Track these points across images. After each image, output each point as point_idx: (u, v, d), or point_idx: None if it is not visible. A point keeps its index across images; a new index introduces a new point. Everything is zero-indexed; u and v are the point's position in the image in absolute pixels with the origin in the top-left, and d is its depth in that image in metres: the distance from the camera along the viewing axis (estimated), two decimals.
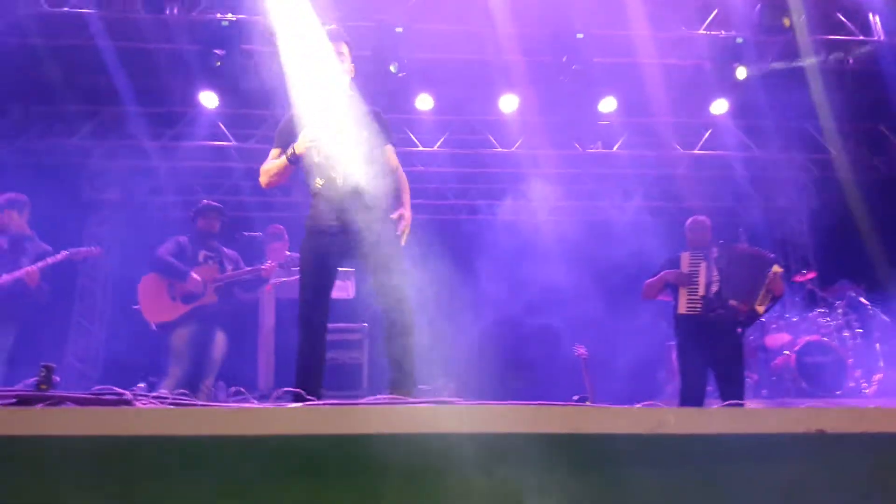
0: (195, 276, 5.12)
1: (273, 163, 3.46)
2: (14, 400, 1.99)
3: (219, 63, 6.85)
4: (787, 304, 7.18)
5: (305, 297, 3.31)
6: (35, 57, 6.79)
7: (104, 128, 8.27)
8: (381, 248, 3.24)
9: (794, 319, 6.93)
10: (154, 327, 5.17)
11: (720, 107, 8.13)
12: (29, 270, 4.83)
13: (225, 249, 5.46)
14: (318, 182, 3.36)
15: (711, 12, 7.13)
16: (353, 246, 3.29)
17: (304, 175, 3.49)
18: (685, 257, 5.03)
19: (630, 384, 6.83)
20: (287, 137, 3.46)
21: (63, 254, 4.99)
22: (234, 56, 6.86)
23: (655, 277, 5.07)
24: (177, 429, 1.81)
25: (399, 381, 3.10)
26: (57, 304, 6.38)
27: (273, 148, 3.54)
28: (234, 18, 6.73)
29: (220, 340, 5.20)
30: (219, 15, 6.72)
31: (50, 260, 4.93)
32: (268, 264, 5.32)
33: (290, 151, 3.37)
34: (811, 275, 7.47)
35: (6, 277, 4.85)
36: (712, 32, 7.20)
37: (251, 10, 6.63)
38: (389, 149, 3.55)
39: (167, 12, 6.54)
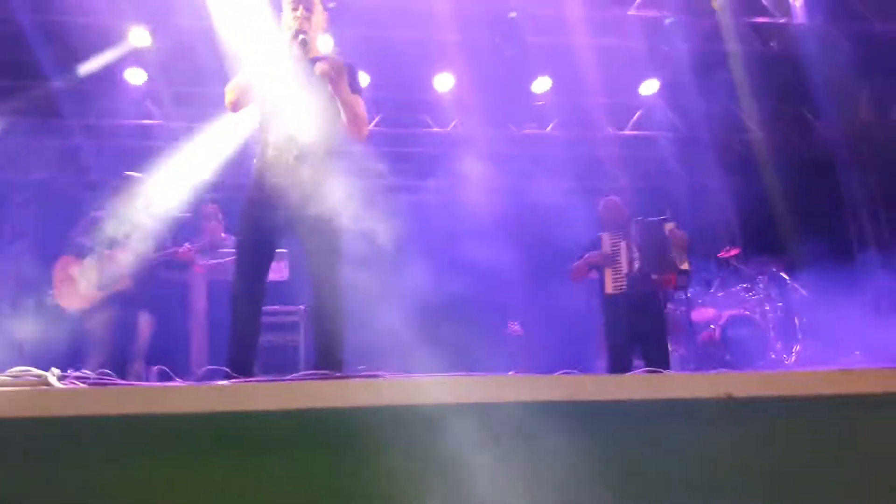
0: (106, 254, 4.90)
1: (238, 78, 3.30)
2: None
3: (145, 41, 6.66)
4: (712, 281, 7.46)
5: (241, 273, 3.23)
6: None
7: (27, 105, 7.90)
8: (320, 226, 3.16)
9: (720, 294, 7.21)
10: (71, 313, 4.97)
11: (650, 87, 8.31)
12: None
13: (147, 225, 5.17)
14: (268, 150, 3.25)
15: None
16: (293, 222, 3.20)
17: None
18: (605, 238, 5.18)
19: (562, 360, 6.97)
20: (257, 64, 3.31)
21: None
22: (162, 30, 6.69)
23: (580, 260, 5.22)
24: (96, 408, 1.78)
25: (326, 364, 3.04)
26: None
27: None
28: None
29: (144, 323, 5.05)
30: None
31: None
32: (184, 247, 5.15)
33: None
34: (735, 251, 7.76)
35: None
36: (643, 13, 7.33)
37: None
38: (360, 100, 3.40)
39: None
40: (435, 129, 8.82)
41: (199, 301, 5.75)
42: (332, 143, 3.34)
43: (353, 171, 3.42)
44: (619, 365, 4.97)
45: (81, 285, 4.92)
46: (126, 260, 4.96)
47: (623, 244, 5.06)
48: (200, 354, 5.75)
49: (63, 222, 6.59)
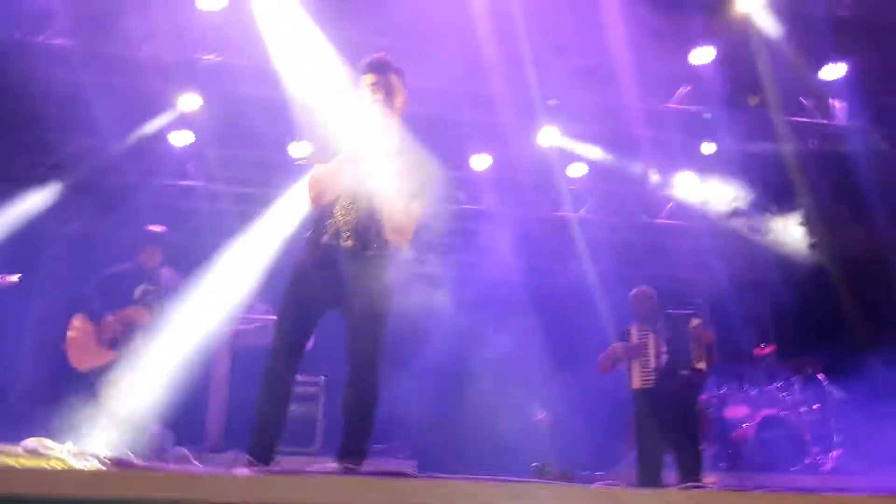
0: (110, 318, 4.81)
1: (326, 168, 3.08)
2: None
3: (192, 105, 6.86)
4: (745, 378, 7.25)
5: (279, 346, 3.10)
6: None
7: (70, 159, 8.12)
8: (370, 307, 3.07)
9: (753, 393, 6.99)
10: (81, 372, 4.84)
11: (685, 179, 8.30)
12: None
13: (168, 278, 5.10)
14: (324, 235, 3.13)
15: (680, 87, 7.32)
16: (341, 297, 3.10)
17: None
18: (633, 330, 5.10)
19: (590, 452, 6.76)
20: (331, 149, 3.13)
21: None
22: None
23: (607, 352, 5.13)
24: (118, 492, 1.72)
25: (350, 452, 2.97)
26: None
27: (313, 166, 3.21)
28: (213, 58, 6.73)
29: (156, 387, 4.93)
30: (198, 55, 6.71)
31: None
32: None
33: (348, 150, 3.04)
34: (770, 349, 7.56)
35: None
36: (681, 106, 7.38)
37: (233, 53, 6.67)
38: (417, 207, 3.16)
39: (144, 49, 6.51)
40: (466, 206, 8.85)
41: (221, 366, 5.69)
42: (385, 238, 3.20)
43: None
44: (648, 462, 4.79)
45: (93, 344, 4.84)
46: (143, 319, 4.88)
47: (651, 337, 4.96)
48: (218, 421, 5.67)
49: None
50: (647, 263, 9.49)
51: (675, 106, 7.35)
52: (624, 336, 5.11)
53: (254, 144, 7.86)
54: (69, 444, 1.91)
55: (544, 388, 7.31)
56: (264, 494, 1.76)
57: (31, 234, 7.73)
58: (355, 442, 3.01)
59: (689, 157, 8.00)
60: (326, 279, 3.09)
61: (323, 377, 6.04)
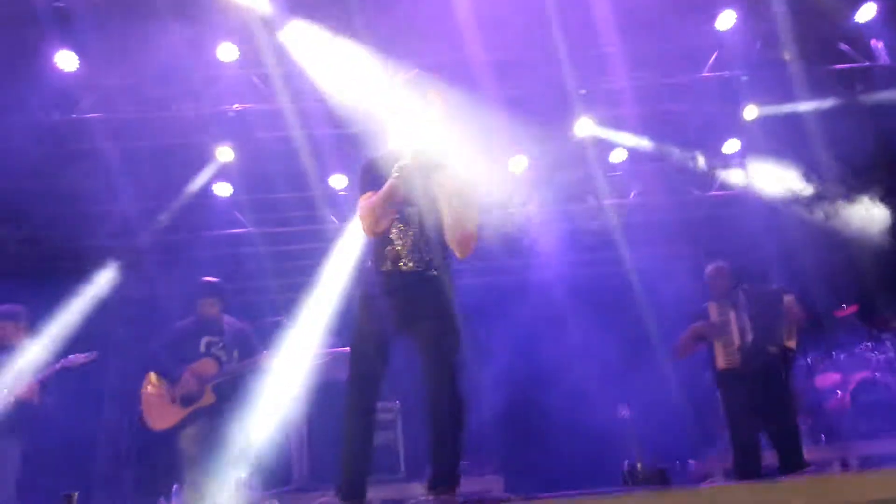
0: (187, 376, 4.81)
1: (377, 194, 2.97)
2: None
3: (228, 156, 6.97)
4: (831, 342, 6.92)
5: (358, 379, 3.05)
6: (45, 162, 6.88)
7: (124, 226, 8.33)
8: (440, 334, 3.03)
9: (842, 357, 6.66)
10: (158, 433, 4.86)
11: (732, 146, 8.05)
12: (31, 385, 4.67)
13: (232, 327, 5.12)
14: (386, 263, 3.10)
15: (710, 55, 7.12)
16: (411, 321, 3.06)
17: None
18: (713, 308, 4.87)
19: (681, 440, 6.54)
20: (377, 174, 3.06)
21: (59, 364, 4.80)
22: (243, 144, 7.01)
23: (685, 334, 4.91)
24: None
25: (442, 478, 2.89)
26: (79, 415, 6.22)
27: (362, 195, 3.12)
28: (240, 108, 6.83)
29: (233, 437, 4.93)
30: (225, 106, 6.82)
31: (47, 372, 4.75)
32: (264, 354, 5.01)
33: (396, 168, 2.93)
34: (852, 308, 7.22)
35: (10, 395, 4.66)
36: (716, 74, 7.17)
37: (260, 98, 6.77)
38: (475, 210, 3.13)
39: (174, 108, 6.65)
40: (512, 211, 8.74)
41: (298, 401, 5.68)
42: (445, 254, 3.18)
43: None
44: (743, 444, 4.58)
45: (166, 403, 4.85)
46: (210, 371, 4.88)
47: (732, 314, 4.74)
48: (301, 459, 5.66)
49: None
50: (706, 239, 9.23)
51: (709, 74, 7.14)
52: (701, 315, 4.89)
53: (293, 184, 7.94)
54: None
55: (621, 384, 7.11)
56: None
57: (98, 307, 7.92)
58: (447, 467, 2.92)
59: (732, 126, 7.75)
60: (393, 306, 3.05)
61: (398, 402, 5.98)
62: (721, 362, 4.71)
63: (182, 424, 4.80)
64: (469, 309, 8.20)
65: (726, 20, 6.47)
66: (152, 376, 4.93)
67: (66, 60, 6.01)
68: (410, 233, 3.08)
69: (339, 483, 2.95)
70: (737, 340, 4.66)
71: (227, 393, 4.91)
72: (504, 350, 7.95)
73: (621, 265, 9.37)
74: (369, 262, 3.22)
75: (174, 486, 5.10)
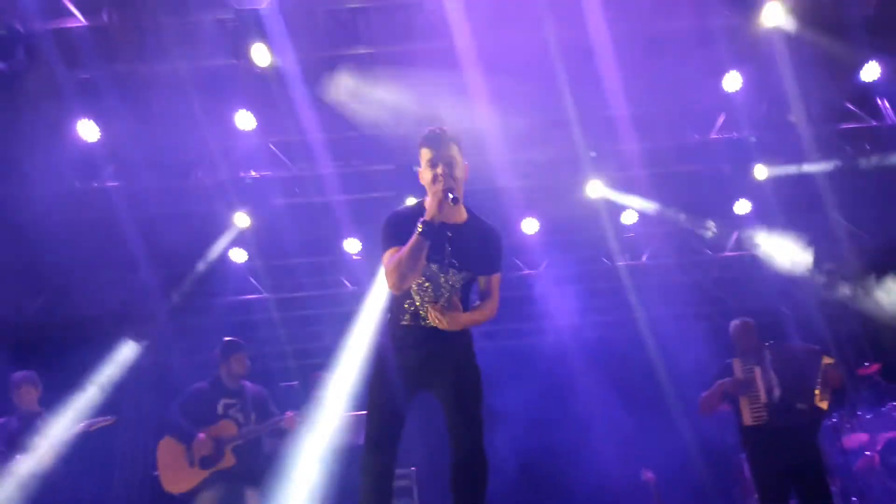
0: (202, 437, 4.78)
1: (403, 250, 2.86)
2: None
3: (245, 222, 7.05)
4: (855, 401, 6.76)
5: (377, 439, 2.96)
6: (67, 231, 6.98)
7: (136, 293, 8.39)
8: (463, 388, 3.00)
9: (868, 416, 6.48)
10: (175, 496, 4.79)
11: (743, 207, 8.06)
12: (41, 453, 4.64)
13: (249, 390, 5.12)
14: (405, 317, 3.07)
15: (718, 116, 7.21)
16: (431, 376, 3.03)
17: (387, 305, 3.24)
18: (737, 364, 4.79)
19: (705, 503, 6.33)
20: (403, 228, 2.95)
21: (80, 427, 4.81)
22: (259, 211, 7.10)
23: (710, 390, 4.82)
24: None
25: None
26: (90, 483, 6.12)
27: (386, 250, 3.01)
28: (256, 176, 6.95)
29: (251, 499, 4.86)
30: (242, 174, 6.94)
31: (65, 436, 4.74)
32: (288, 414, 5.00)
33: (420, 226, 2.83)
34: (875, 367, 7.07)
35: (22, 461, 4.65)
36: (725, 136, 7.25)
37: (277, 165, 6.90)
38: (495, 278, 3.12)
39: (193, 176, 6.78)
40: (526, 272, 8.76)
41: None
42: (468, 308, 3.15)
43: None
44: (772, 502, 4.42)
45: (184, 465, 4.80)
46: (230, 433, 4.85)
47: (757, 370, 4.65)
48: None
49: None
50: (720, 300, 9.17)
51: (717, 136, 7.23)
52: (725, 371, 4.80)
53: (307, 250, 8.01)
54: None
55: (640, 448, 6.94)
56: None
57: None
58: None
59: (743, 187, 7.78)
60: (412, 361, 3.02)
61: (413, 469, 5.85)
62: (747, 419, 4.59)
63: (200, 487, 4.73)
64: (502, 366, 8.18)
65: (733, 82, 6.56)
66: (169, 439, 4.88)
67: (87, 130, 6.16)
68: (430, 288, 3.04)
69: None
70: (763, 397, 4.56)
71: (246, 456, 4.86)
72: (517, 416, 7.82)
73: (636, 327, 9.32)
74: (389, 316, 3.20)
75: None
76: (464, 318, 3.03)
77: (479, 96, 6.17)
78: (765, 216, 8.24)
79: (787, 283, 8.91)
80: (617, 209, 7.95)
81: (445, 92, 6.21)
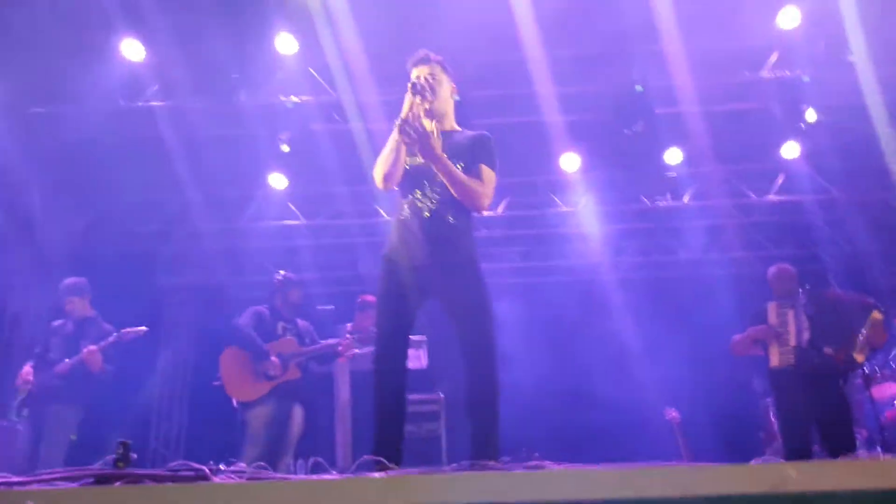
0: (274, 359, 5.04)
1: (384, 150, 3.20)
2: (92, 479, 1.96)
3: (286, 148, 7.09)
4: (889, 351, 6.67)
5: (382, 340, 3.09)
6: (110, 150, 7.13)
7: (177, 215, 8.59)
8: (467, 294, 3.06)
9: None
10: (235, 404, 5.09)
11: (792, 150, 7.81)
12: (87, 352, 4.88)
13: (299, 321, 5.40)
14: (404, 210, 3.19)
15: (772, 54, 6.95)
16: (435, 284, 3.11)
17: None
18: (772, 308, 4.77)
19: (727, 447, 6.39)
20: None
21: (114, 336, 5.03)
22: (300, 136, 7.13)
23: (742, 334, 4.82)
24: (255, 502, 1.72)
25: (482, 451, 2.85)
26: (137, 387, 6.43)
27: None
28: (298, 100, 6.96)
29: (297, 417, 5.11)
30: (282, 98, 6.96)
31: (103, 343, 4.98)
32: (345, 339, 5.23)
33: (398, 122, 3.10)
34: None
35: (69, 361, 4.93)
36: (776, 74, 7.00)
37: (316, 90, 6.89)
38: (485, 169, 3.21)
39: (235, 99, 6.80)
40: (564, 209, 8.70)
41: (343, 392, 5.79)
42: (463, 209, 3.23)
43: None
44: (795, 450, 4.45)
45: (249, 377, 5.02)
46: (292, 349, 5.09)
47: (791, 313, 4.63)
48: (345, 447, 5.74)
49: (219, 317, 6.93)
50: (765, 244, 9.02)
51: (768, 74, 6.97)
52: (760, 314, 4.80)
53: (342, 178, 8.05)
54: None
55: (671, 386, 6.99)
56: (398, 495, 1.72)
57: (151, 287, 8.17)
58: (484, 438, 2.92)
59: (792, 128, 7.53)
60: (414, 259, 3.13)
61: (441, 394, 6.01)
62: (775, 361, 4.60)
63: (263, 399, 4.98)
64: (530, 305, 8.23)
65: (789, 18, 6.27)
66: (233, 350, 5.13)
67: (132, 49, 6.21)
68: (427, 185, 3.17)
69: (375, 447, 2.94)
70: (792, 340, 4.56)
71: (303, 373, 5.15)
72: (543, 351, 7.91)
73: (673, 269, 9.26)
74: (393, 218, 3.32)
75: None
76: (442, 156, 3.10)
77: (525, 25, 6.05)
78: (815, 160, 8.04)
79: (834, 232, 8.73)
80: (660, 147, 7.80)
81: (490, 18, 6.11)
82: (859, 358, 4.53)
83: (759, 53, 6.93)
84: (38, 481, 2.04)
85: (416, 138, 3.06)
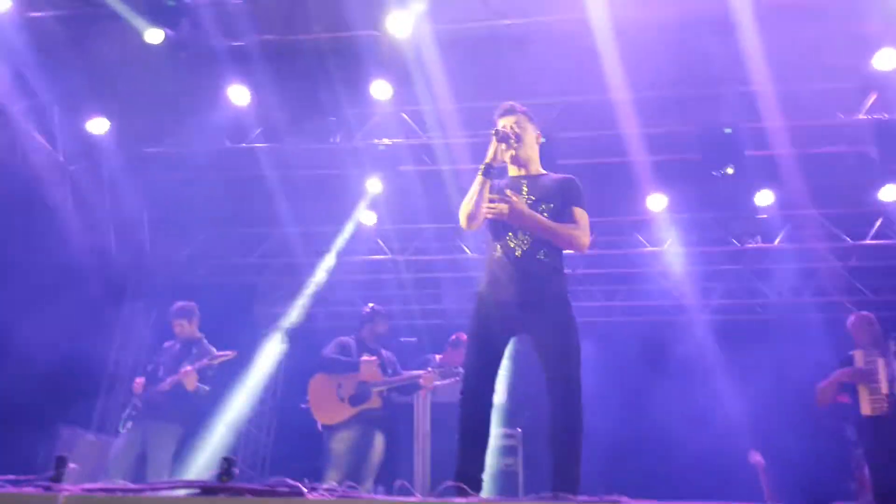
0: (351, 378, 5.23)
1: (469, 191, 3.33)
2: (198, 490, 2.16)
3: (378, 187, 7.42)
4: None
5: (471, 373, 3.19)
6: (217, 187, 7.64)
7: (273, 249, 9.06)
8: (556, 331, 3.15)
9: None
10: (320, 428, 5.30)
11: (890, 193, 7.53)
12: (184, 372, 5.17)
13: (384, 352, 5.57)
14: (497, 250, 3.30)
15: (870, 96, 6.77)
16: (526, 321, 3.20)
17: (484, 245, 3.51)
18: (858, 355, 4.65)
19: (813, 497, 6.13)
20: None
21: (205, 359, 5.30)
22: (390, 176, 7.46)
23: (829, 379, 4.70)
24: None
25: (562, 485, 2.89)
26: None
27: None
28: (389, 143, 7.28)
29: (378, 444, 5.25)
30: (376, 140, 7.29)
31: (197, 364, 5.25)
32: (427, 371, 5.35)
33: (482, 166, 3.32)
34: None
35: (169, 380, 5.26)
36: (874, 116, 6.80)
37: (409, 133, 7.20)
38: (580, 211, 3.31)
39: (331, 141, 7.19)
40: (649, 249, 8.65)
41: (423, 423, 5.90)
42: (555, 248, 3.33)
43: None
44: (886, 496, 4.27)
45: (334, 400, 5.24)
46: (377, 378, 5.26)
47: (881, 361, 4.49)
48: (424, 476, 5.84)
49: (308, 350, 7.21)
50: (857, 289, 8.68)
51: (865, 117, 6.79)
52: (846, 362, 4.68)
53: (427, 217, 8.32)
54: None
55: (757, 430, 6.79)
56: None
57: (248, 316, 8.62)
58: (565, 475, 2.96)
59: (889, 172, 7.27)
60: (503, 295, 3.21)
61: (519, 430, 6.05)
62: (866, 409, 4.46)
63: (345, 424, 5.17)
64: (618, 344, 8.18)
65: (886, 59, 6.13)
66: (321, 376, 5.37)
67: (238, 94, 6.70)
68: (519, 229, 3.27)
69: (456, 468, 3.02)
70: (884, 388, 4.41)
71: (386, 402, 5.30)
72: (620, 393, 7.83)
73: (764, 312, 9.02)
74: (486, 256, 3.42)
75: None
76: (534, 215, 3.22)
77: (612, 68, 6.15)
78: None
79: None
80: (750, 189, 7.68)
81: (576, 64, 6.25)
82: None
83: (854, 95, 6.76)
84: (150, 489, 2.27)
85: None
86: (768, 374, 7.52)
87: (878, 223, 8.08)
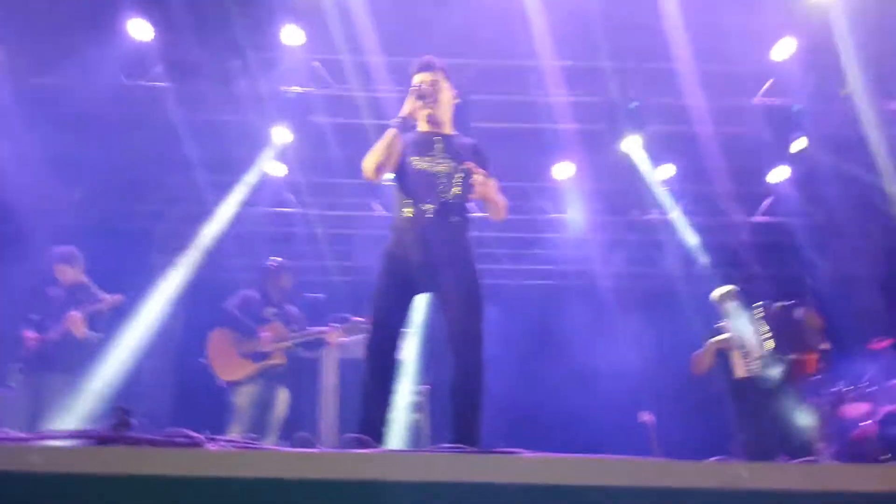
0: (265, 333, 5.15)
1: (379, 143, 3.35)
2: (94, 440, 2.07)
3: (287, 137, 7.19)
4: (863, 373, 6.87)
5: (377, 329, 3.21)
6: (112, 127, 7.19)
7: (174, 195, 8.66)
8: (461, 286, 3.19)
9: (873, 389, 6.60)
10: (221, 383, 5.19)
11: (780, 174, 8.02)
12: (70, 318, 4.94)
13: (288, 307, 5.49)
14: (406, 209, 3.31)
15: (766, 81, 7.12)
16: (433, 279, 3.24)
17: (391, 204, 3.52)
18: (727, 325, 4.99)
19: (700, 451, 6.56)
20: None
21: (92, 306, 5.09)
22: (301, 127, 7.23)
23: (703, 349, 5.04)
24: (245, 471, 1.84)
25: (462, 436, 2.96)
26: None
27: None
28: (300, 90, 7.05)
29: (283, 400, 5.22)
30: (283, 88, 7.04)
31: (83, 310, 5.03)
32: (331, 327, 5.32)
33: (398, 119, 3.36)
34: (888, 342, 7.15)
35: (58, 329, 4.99)
36: (768, 101, 7.18)
37: (320, 82, 6.98)
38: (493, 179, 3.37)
39: (236, 84, 6.88)
40: (553, 216, 8.86)
41: (330, 379, 5.89)
42: (465, 205, 3.39)
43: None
44: (757, 455, 4.64)
45: (235, 357, 5.13)
46: (280, 335, 5.18)
47: (749, 328, 4.86)
48: (329, 432, 5.85)
49: (206, 301, 7.00)
50: (746, 263, 9.21)
51: (760, 101, 7.15)
52: (716, 333, 5.04)
53: (341, 171, 8.15)
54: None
55: (647, 391, 7.17)
56: (380, 471, 1.83)
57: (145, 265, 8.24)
58: (465, 425, 3.03)
59: (780, 155, 7.71)
60: (413, 254, 3.26)
61: (428, 386, 6.14)
62: (740, 371, 4.82)
63: (250, 379, 5.09)
64: (514, 310, 8.34)
65: (784, 50, 6.47)
66: (221, 331, 5.25)
67: (139, 30, 6.29)
68: (433, 189, 3.31)
69: (361, 423, 3.06)
70: (756, 351, 4.78)
71: (288, 356, 5.25)
72: (512, 356, 8.05)
73: (651, 281, 9.44)
74: (394, 213, 3.44)
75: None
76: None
77: (531, 34, 6.18)
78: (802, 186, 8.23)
79: (813, 255, 8.93)
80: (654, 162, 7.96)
81: (496, 27, 6.24)
82: (824, 346, 4.78)
83: (753, 81, 7.09)
84: (41, 438, 2.15)
85: (430, 99, 3.38)
86: (660, 339, 7.92)
87: (767, 202, 8.58)
